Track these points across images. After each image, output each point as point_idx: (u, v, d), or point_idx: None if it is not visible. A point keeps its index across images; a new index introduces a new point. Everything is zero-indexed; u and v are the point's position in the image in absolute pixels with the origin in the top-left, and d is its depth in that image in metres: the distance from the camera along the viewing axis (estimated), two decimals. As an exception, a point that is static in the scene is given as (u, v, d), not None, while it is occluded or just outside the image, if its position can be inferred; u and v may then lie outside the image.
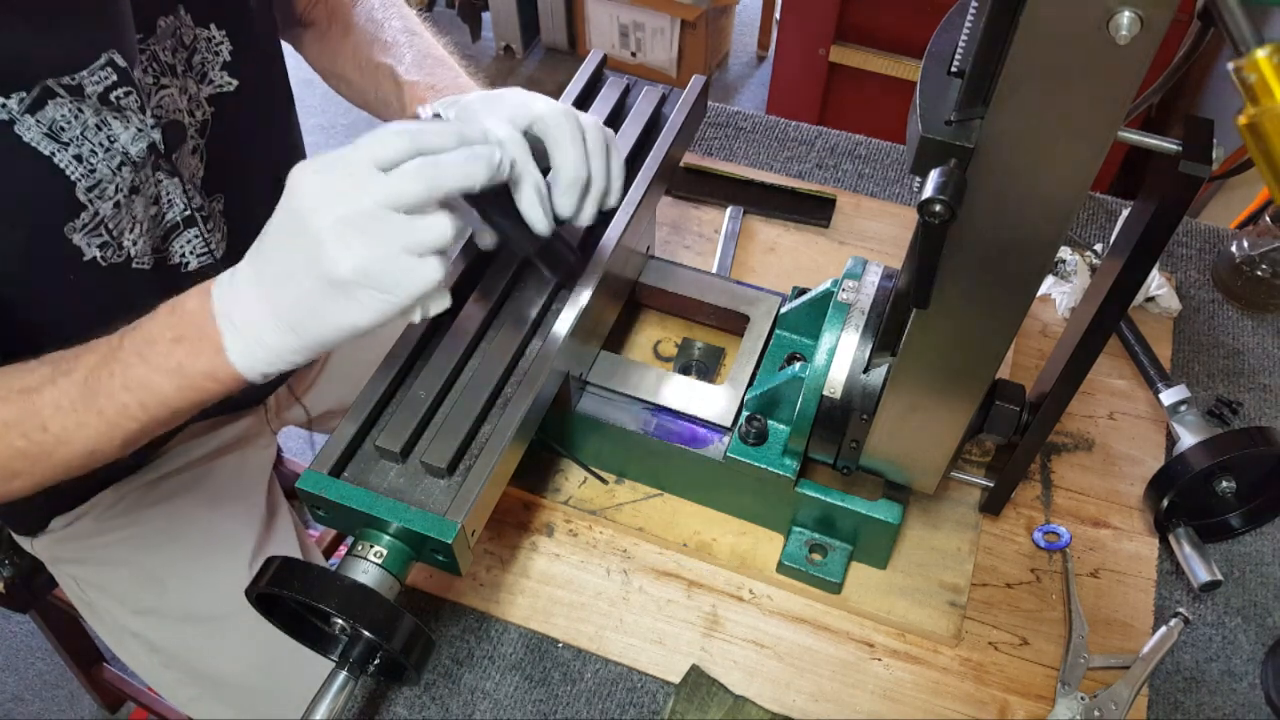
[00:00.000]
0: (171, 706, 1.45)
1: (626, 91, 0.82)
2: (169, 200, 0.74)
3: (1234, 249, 0.96)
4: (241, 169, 0.81)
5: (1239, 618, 0.77)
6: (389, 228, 0.53)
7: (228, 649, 0.93)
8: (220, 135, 0.78)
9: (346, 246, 0.52)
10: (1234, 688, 0.74)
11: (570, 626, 0.75)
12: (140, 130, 0.69)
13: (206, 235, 0.79)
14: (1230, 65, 0.39)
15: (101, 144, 0.67)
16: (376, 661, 0.65)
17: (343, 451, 0.62)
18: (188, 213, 0.76)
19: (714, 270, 0.96)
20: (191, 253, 0.78)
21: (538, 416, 0.66)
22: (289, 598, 0.59)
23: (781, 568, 0.75)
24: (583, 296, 0.69)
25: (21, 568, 1.07)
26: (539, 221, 0.62)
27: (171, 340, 0.58)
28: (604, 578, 0.77)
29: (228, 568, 0.93)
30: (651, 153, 0.78)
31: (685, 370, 0.85)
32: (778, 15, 2.32)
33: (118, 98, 0.66)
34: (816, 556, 0.75)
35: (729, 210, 1.02)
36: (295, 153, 0.90)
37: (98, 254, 0.70)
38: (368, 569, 0.60)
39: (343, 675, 0.64)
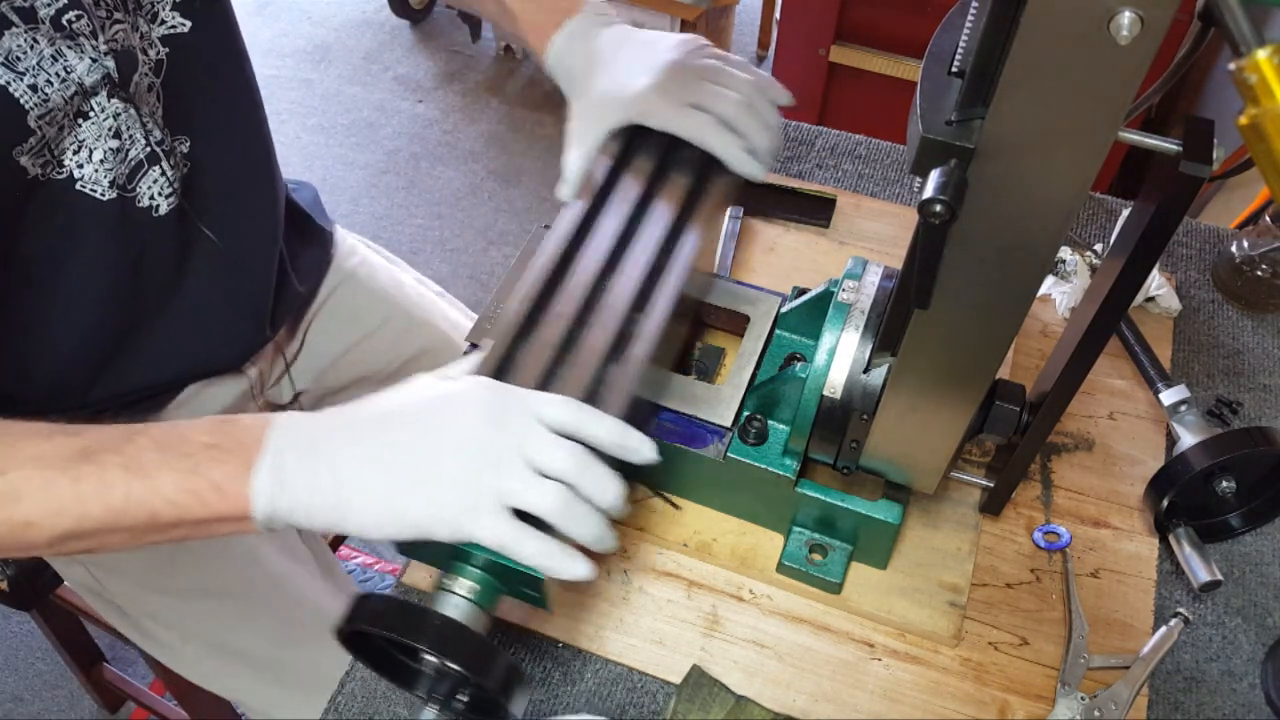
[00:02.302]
0: (172, 707, 1.45)
1: None
2: (130, 135, 0.74)
3: (1234, 249, 0.96)
4: (202, 112, 0.81)
5: (1239, 618, 0.77)
6: (507, 473, 0.55)
7: (245, 621, 0.94)
8: (178, 77, 0.78)
9: (470, 458, 0.55)
10: (1234, 688, 0.74)
11: (570, 626, 0.75)
12: (95, 60, 0.69)
13: (170, 174, 0.78)
14: (1231, 66, 0.39)
15: (58, 74, 0.66)
16: (463, 698, 0.63)
17: None
18: (149, 149, 0.76)
19: (714, 270, 0.96)
20: (160, 193, 0.78)
21: None
22: (382, 636, 0.58)
23: (781, 568, 0.75)
24: (657, 321, 0.68)
25: (24, 565, 1.07)
26: (754, 171, 0.74)
27: (205, 443, 0.57)
28: (604, 578, 0.77)
29: (234, 546, 0.93)
30: (713, 178, 0.76)
31: (686, 371, 0.85)
32: (778, 15, 2.32)
33: (69, 21, 0.66)
34: (816, 557, 0.75)
35: (729, 210, 1.02)
36: (253, 101, 0.90)
37: (39, 172, 0.69)
38: (459, 604, 0.58)
39: (434, 713, 0.62)
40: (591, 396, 0.62)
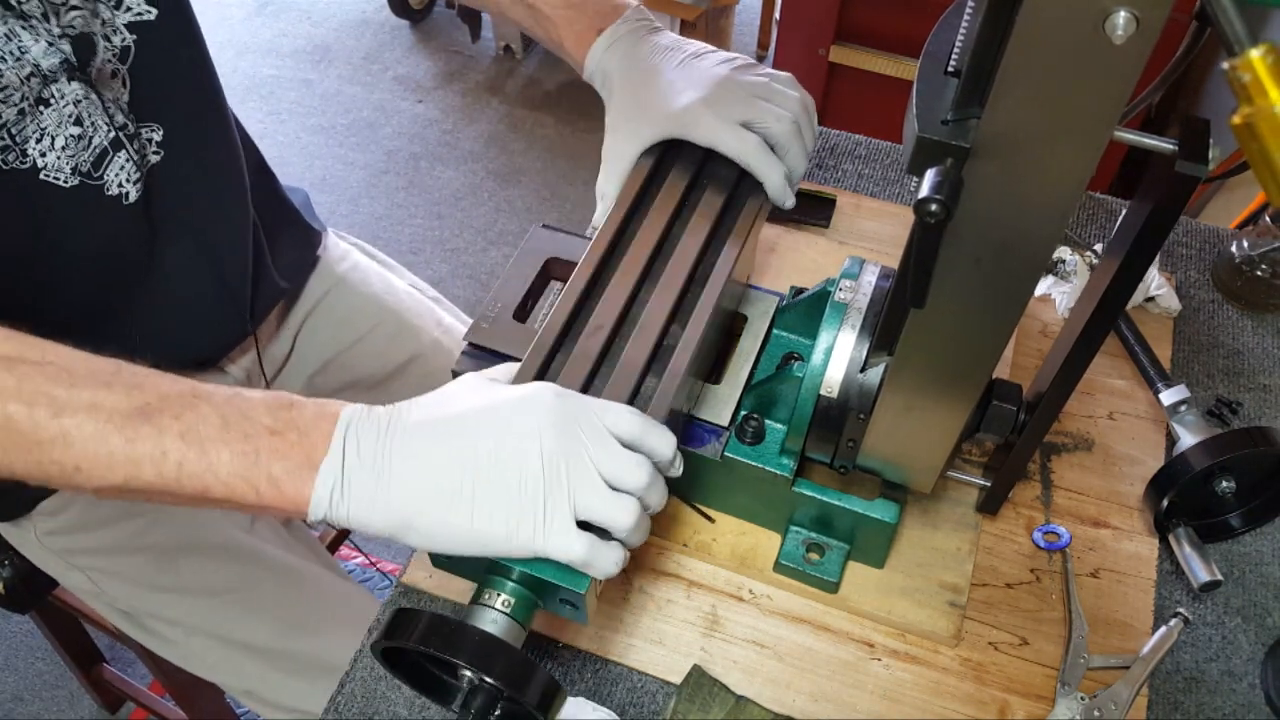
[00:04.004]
0: (171, 707, 1.45)
1: None
2: (92, 122, 0.74)
3: (1234, 249, 0.96)
4: (172, 100, 0.81)
5: (1239, 618, 0.77)
6: (582, 487, 0.55)
7: (249, 614, 0.94)
8: (146, 64, 0.78)
9: (543, 473, 0.54)
10: (1234, 688, 0.74)
11: (570, 626, 0.75)
12: (51, 44, 0.68)
13: (137, 159, 0.78)
14: (1225, 65, 0.39)
15: (12, 53, 0.66)
16: (499, 712, 0.62)
17: None
18: (113, 134, 0.76)
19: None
20: (127, 180, 0.77)
21: None
22: (420, 652, 0.57)
23: (778, 567, 0.75)
24: (695, 333, 0.68)
25: (21, 568, 1.06)
26: (789, 200, 0.75)
27: (267, 426, 0.55)
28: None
29: (233, 544, 0.93)
30: (754, 187, 0.76)
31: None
32: (778, 15, 2.32)
33: (19, 1, 0.66)
34: (814, 556, 0.75)
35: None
36: (217, 89, 0.89)
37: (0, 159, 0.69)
38: (496, 619, 0.58)
39: None
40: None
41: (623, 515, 0.55)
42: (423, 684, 0.63)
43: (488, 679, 0.56)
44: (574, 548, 0.54)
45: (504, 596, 0.58)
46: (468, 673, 0.59)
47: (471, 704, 0.60)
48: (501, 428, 0.55)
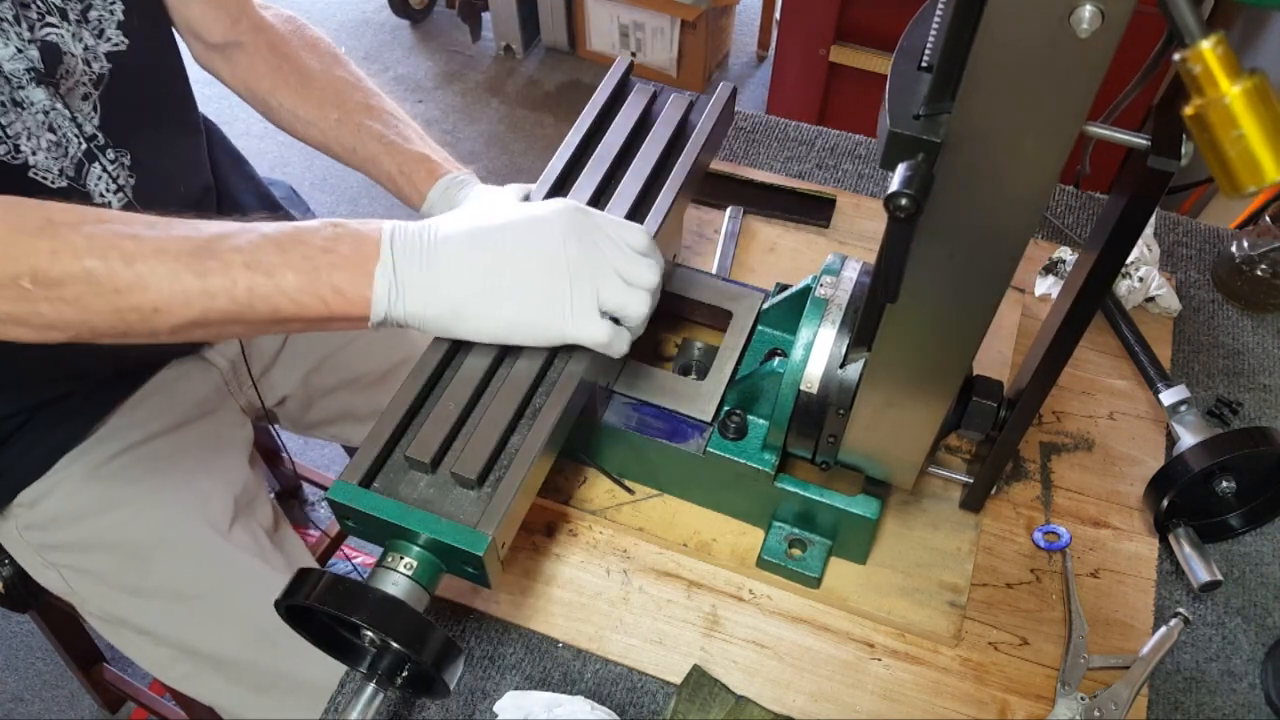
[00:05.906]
0: (171, 707, 1.45)
1: (653, 99, 0.82)
2: (63, 133, 0.77)
3: (1234, 249, 0.96)
4: (141, 128, 0.84)
5: (1239, 618, 0.77)
6: (605, 284, 0.63)
7: (215, 625, 0.93)
8: (117, 94, 0.80)
9: (569, 270, 0.61)
10: (1234, 688, 0.74)
11: (570, 626, 0.75)
12: (20, 50, 0.71)
13: (113, 171, 0.81)
14: (1176, 56, 0.39)
15: None
16: (405, 673, 0.64)
17: (372, 462, 0.61)
18: (84, 146, 0.78)
19: (714, 270, 0.96)
20: (107, 189, 0.81)
21: (567, 427, 0.66)
22: (320, 610, 0.59)
23: (760, 562, 0.75)
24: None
25: (20, 568, 1.06)
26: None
27: (322, 247, 0.60)
28: (604, 578, 0.77)
29: (208, 546, 0.93)
30: (679, 160, 0.77)
31: (685, 370, 0.85)
32: (778, 15, 2.32)
33: None
34: (796, 551, 0.75)
35: (729, 210, 1.02)
36: (192, 115, 0.91)
37: None
38: (397, 580, 0.59)
39: (371, 687, 0.63)
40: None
41: (643, 308, 0.63)
42: (333, 646, 0.64)
43: (386, 638, 0.58)
44: (598, 333, 0.62)
45: (407, 560, 0.60)
46: (369, 633, 0.61)
47: (378, 665, 0.63)
48: (533, 231, 0.62)
